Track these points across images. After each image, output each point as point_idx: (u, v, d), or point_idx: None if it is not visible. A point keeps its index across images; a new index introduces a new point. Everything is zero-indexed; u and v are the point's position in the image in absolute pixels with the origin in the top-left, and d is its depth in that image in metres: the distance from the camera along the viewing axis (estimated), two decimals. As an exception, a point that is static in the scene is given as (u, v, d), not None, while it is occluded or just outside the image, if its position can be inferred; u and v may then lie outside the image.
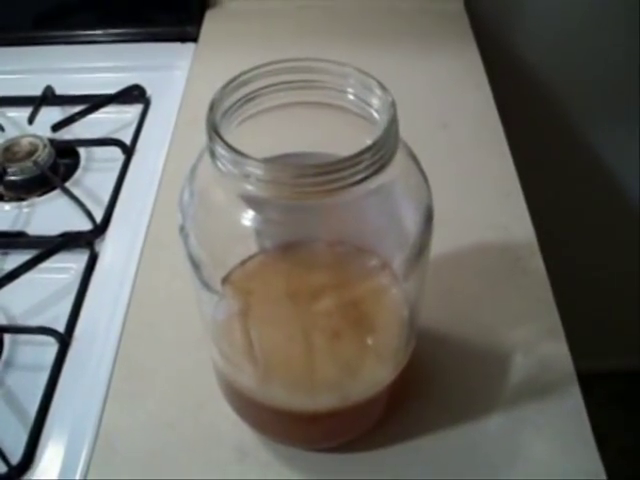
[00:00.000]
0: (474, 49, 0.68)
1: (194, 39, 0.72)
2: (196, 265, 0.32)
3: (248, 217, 0.30)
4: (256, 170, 0.27)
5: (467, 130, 0.60)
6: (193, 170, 0.32)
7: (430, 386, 0.42)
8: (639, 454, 1.13)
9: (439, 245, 0.48)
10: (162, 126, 0.62)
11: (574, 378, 0.42)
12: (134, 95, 0.66)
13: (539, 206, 0.55)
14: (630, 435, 1.15)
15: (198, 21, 0.74)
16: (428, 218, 0.32)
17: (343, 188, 0.27)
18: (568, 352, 0.43)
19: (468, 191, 0.54)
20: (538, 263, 0.49)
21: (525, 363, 0.43)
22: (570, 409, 0.41)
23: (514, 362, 0.43)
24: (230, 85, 0.30)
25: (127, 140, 0.61)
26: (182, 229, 0.32)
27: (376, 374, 0.37)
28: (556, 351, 0.43)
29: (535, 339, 0.44)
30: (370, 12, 0.74)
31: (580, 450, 0.39)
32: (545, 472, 0.38)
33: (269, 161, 0.29)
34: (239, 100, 0.30)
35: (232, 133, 0.30)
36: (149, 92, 0.67)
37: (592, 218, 0.99)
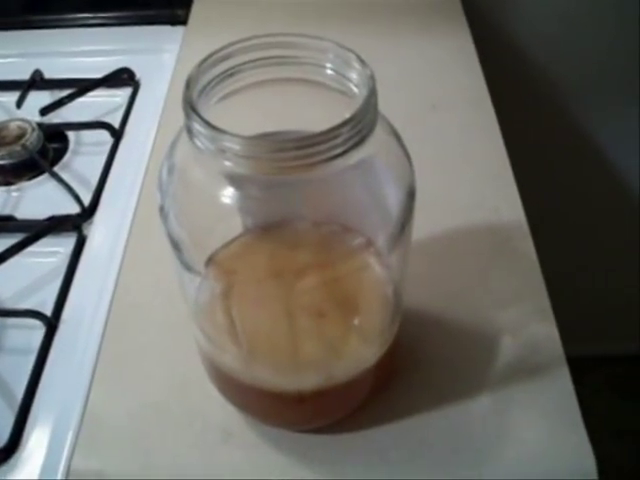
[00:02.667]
0: (466, 32, 0.68)
1: (183, 22, 0.72)
2: (176, 245, 0.32)
3: (228, 195, 0.30)
4: (234, 146, 0.27)
5: (459, 112, 0.60)
6: (171, 150, 0.32)
7: (417, 367, 0.42)
8: (635, 438, 1.14)
9: (429, 226, 0.48)
10: (151, 109, 0.62)
11: (563, 360, 0.42)
12: (123, 78, 0.66)
13: (531, 188, 0.55)
14: (626, 419, 1.15)
15: (187, 4, 0.73)
16: (410, 194, 0.31)
17: (322, 162, 0.27)
18: (557, 334, 0.43)
19: (458, 173, 0.54)
20: (528, 245, 0.48)
21: (514, 344, 0.43)
22: (559, 391, 0.40)
23: (503, 343, 0.43)
24: (207, 62, 0.30)
25: (116, 123, 0.61)
26: (162, 209, 0.32)
27: (361, 353, 0.37)
28: (546, 333, 0.43)
29: (524, 321, 0.44)
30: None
31: (569, 431, 0.39)
32: (533, 453, 0.38)
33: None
34: (216, 77, 0.30)
35: (210, 111, 0.30)
36: (138, 75, 0.67)
37: (586, 200, 0.98)
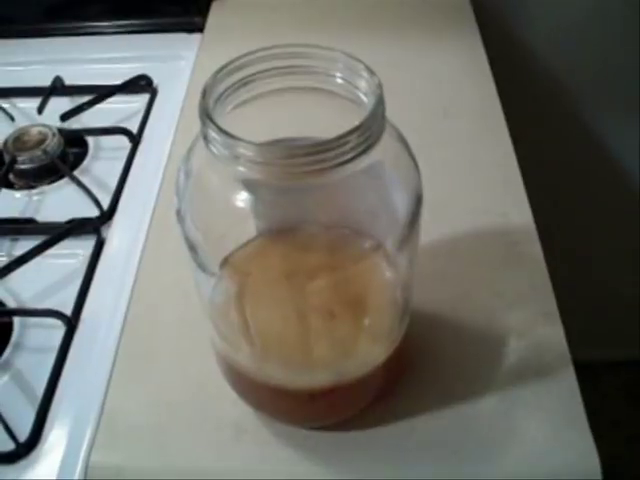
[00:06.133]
0: (477, 38, 0.68)
1: (200, 30, 0.73)
2: (192, 247, 0.33)
3: (242, 199, 0.31)
4: (248, 152, 0.28)
5: (469, 119, 0.60)
6: (188, 156, 0.33)
7: (426, 367, 0.42)
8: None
9: (437, 230, 0.49)
10: (168, 115, 0.63)
11: (569, 361, 0.42)
12: (141, 85, 0.67)
13: (540, 193, 0.56)
14: (636, 424, 1.15)
15: (204, 12, 0.75)
16: (417, 199, 0.32)
17: (331, 168, 0.28)
18: (564, 336, 0.43)
19: (468, 178, 0.55)
20: (536, 248, 0.49)
21: (520, 346, 0.43)
22: (564, 391, 0.41)
23: (509, 345, 0.43)
24: (222, 71, 0.31)
25: (134, 129, 0.62)
26: (178, 212, 0.33)
27: (370, 352, 0.37)
28: (552, 334, 0.44)
29: (531, 322, 0.45)
30: (375, 2, 0.74)
31: (574, 432, 0.39)
32: (538, 453, 0.39)
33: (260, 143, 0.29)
34: (231, 86, 0.31)
35: (225, 119, 0.31)
36: (156, 82, 0.68)
37: (597, 205, 0.98)
